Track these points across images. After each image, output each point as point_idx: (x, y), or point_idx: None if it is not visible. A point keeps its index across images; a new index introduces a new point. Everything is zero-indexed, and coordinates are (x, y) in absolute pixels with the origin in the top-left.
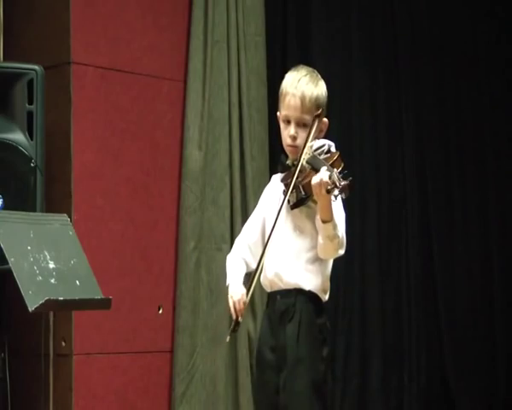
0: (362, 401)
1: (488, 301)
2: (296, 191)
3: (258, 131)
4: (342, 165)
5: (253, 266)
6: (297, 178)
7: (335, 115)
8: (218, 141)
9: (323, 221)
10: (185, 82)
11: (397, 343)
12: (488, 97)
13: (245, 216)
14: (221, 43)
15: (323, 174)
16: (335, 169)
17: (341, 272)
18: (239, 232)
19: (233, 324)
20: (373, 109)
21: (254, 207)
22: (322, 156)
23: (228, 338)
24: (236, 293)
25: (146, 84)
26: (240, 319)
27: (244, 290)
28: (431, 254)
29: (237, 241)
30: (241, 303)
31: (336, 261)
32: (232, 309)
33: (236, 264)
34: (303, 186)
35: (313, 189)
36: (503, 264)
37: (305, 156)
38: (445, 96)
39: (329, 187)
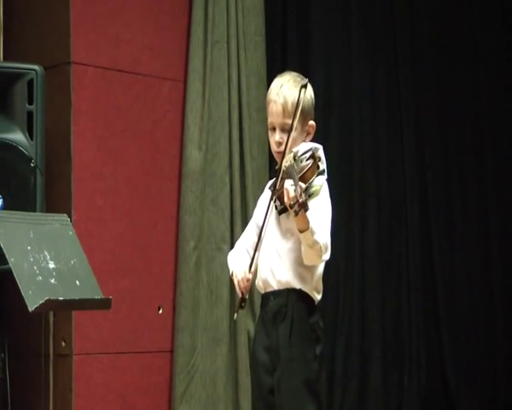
0: (362, 401)
1: (488, 301)
2: (277, 200)
3: (258, 131)
4: (315, 174)
5: None
6: (278, 187)
7: (335, 115)
8: (218, 141)
9: (300, 231)
10: (185, 82)
11: (397, 343)
12: (488, 97)
13: (244, 216)
14: (221, 43)
15: (288, 189)
16: (300, 183)
17: (341, 272)
18: (239, 232)
19: (239, 301)
20: (373, 109)
21: (254, 207)
22: (303, 163)
23: (236, 316)
24: (239, 271)
25: (146, 84)
26: (246, 296)
27: (246, 268)
28: (431, 254)
29: (236, 244)
30: (245, 280)
31: (336, 261)
32: (237, 287)
33: (238, 254)
34: (278, 197)
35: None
36: (503, 264)
37: (286, 164)
38: (445, 95)
39: (292, 202)
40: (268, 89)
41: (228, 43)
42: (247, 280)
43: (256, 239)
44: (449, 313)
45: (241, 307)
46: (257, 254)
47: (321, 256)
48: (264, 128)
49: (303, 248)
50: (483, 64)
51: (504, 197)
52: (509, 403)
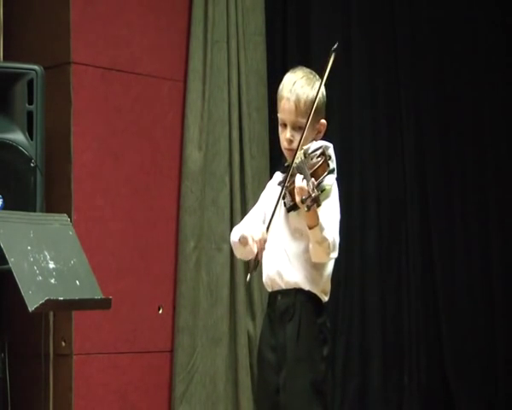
0: (362, 401)
1: (488, 301)
2: (288, 197)
3: (258, 131)
4: (326, 171)
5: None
6: (288, 183)
7: (335, 115)
8: (218, 141)
9: (309, 227)
10: (185, 82)
11: (397, 343)
12: (488, 97)
13: (244, 216)
14: (221, 42)
15: (299, 183)
16: (312, 179)
17: (341, 272)
18: None
19: (254, 264)
20: (373, 109)
21: (254, 206)
22: (314, 160)
23: (249, 277)
24: (257, 232)
25: (146, 84)
26: (260, 257)
27: (264, 228)
28: (431, 255)
29: (240, 223)
30: (262, 241)
31: (336, 261)
32: (254, 249)
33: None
34: (289, 192)
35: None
36: (503, 263)
37: (296, 161)
38: (445, 95)
39: (304, 197)
40: (268, 88)
41: (228, 42)
42: (265, 241)
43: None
44: (449, 313)
45: (255, 268)
46: (272, 223)
47: (329, 254)
48: (264, 128)
49: (311, 245)
50: (483, 63)
51: (505, 197)
52: (509, 403)
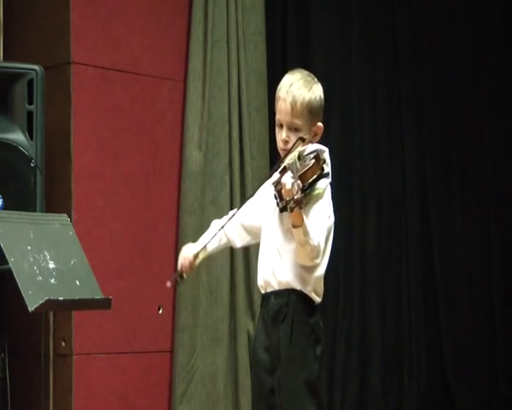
0: (362, 401)
1: (488, 301)
2: (277, 194)
3: (258, 131)
4: (316, 175)
5: (235, 245)
6: (278, 181)
7: (335, 115)
8: (218, 141)
9: (293, 226)
10: (185, 82)
11: (397, 343)
12: (488, 96)
13: None
14: (221, 42)
15: (285, 183)
16: (298, 181)
17: (341, 272)
18: None
19: (177, 275)
20: (373, 109)
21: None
22: (306, 162)
23: (168, 284)
24: (186, 250)
25: (146, 84)
26: (184, 275)
27: (196, 251)
28: (431, 254)
29: (228, 214)
30: (186, 260)
31: (336, 261)
32: (179, 264)
33: (215, 230)
34: (278, 192)
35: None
36: (503, 264)
37: (289, 162)
38: (445, 95)
39: (288, 198)
40: (268, 88)
41: (228, 42)
42: (189, 262)
43: (251, 223)
44: (449, 312)
45: (176, 282)
46: (216, 237)
47: (311, 258)
48: (264, 128)
49: (295, 245)
50: (483, 63)
51: (505, 197)
52: (509, 403)
